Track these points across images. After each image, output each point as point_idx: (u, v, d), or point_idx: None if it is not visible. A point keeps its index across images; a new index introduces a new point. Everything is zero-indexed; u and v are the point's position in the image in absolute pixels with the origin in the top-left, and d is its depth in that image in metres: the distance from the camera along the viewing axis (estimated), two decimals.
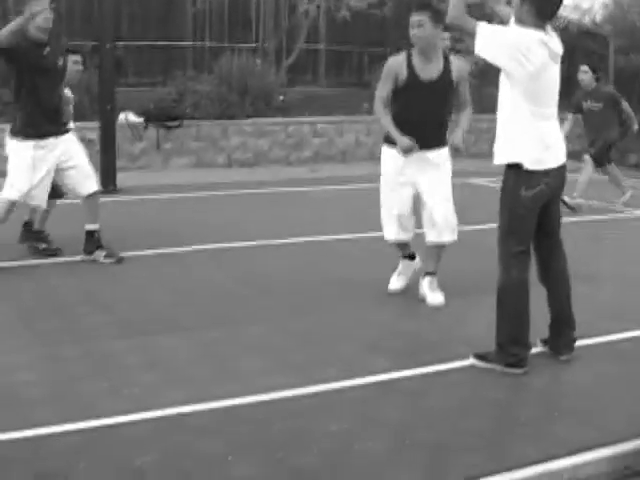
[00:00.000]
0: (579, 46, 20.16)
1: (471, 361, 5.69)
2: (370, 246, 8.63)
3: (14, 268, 7.93)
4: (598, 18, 22.91)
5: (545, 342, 5.90)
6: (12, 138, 7.86)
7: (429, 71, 6.80)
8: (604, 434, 4.67)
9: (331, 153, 16.27)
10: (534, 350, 5.78)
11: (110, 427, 4.63)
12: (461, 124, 6.91)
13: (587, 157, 11.58)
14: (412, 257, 7.46)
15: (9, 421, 4.67)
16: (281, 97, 16.78)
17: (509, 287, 5.55)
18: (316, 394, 5.17)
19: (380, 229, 7.31)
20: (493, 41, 5.37)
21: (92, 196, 8.21)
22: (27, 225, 8.82)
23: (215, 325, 6.45)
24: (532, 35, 5.33)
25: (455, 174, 7.17)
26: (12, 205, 7.89)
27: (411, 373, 5.53)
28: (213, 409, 4.90)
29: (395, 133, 6.77)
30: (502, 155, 5.52)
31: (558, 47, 5.50)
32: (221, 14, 19.49)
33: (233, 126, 15.48)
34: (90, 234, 8.30)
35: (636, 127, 11.74)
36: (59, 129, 8.01)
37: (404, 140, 6.70)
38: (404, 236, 7.21)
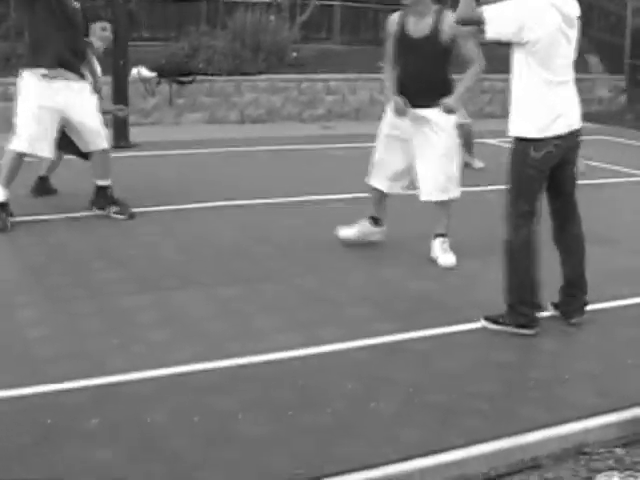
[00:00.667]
0: (596, 6, 20.00)
1: (482, 323, 5.68)
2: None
3: (26, 223, 7.92)
4: None
5: (556, 306, 5.89)
6: (22, 72, 7.82)
7: (421, 28, 6.78)
8: (615, 399, 4.67)
9: (344, 111, 16.18)
10: (546, 313, 5.78)
11: (121, 384, 4.66)
12: (460, 84, 6.85)
13: None
14: (375, 221, 7.46)
15: (20, 377, 4.70)
16: (294, 53, 16.68)
17: (516, 246, 5.56)
18: (326, 353, 5.18)
19: None
20: (503, 20, 5.34)
21: (101, 153, 8.15)
22: (42, 179, 8.83)
23: (229, 282, 6.45)
24: (542, 1, 5.30)
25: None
26: (20, 156, 7.86)
27: (419, 334, 5.52)
28: (224, 367, 4.91)
29: (388, 92, 6.99)
30: (514, 127, 5.52)
31: (573, 10, 5.46)
32: None
33: (246, 82, 15.40)
34: (101, 189, 8.26)
35: None
36: (71, 73, 7.83)
37: (395, 100, 6.85)
38: (378, 184, 7.26)
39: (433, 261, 7.07)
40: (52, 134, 7.84)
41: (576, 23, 5.49)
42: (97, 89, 8.43)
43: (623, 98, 19.01)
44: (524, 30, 5.26)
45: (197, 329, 5.49)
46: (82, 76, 8.03)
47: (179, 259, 7.02)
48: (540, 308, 5.66)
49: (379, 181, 7.27)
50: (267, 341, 5.31)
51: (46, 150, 7.89)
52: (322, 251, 7.36)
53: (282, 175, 10.45)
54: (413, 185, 7.26)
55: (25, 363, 4.91)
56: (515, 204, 5.54)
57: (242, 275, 6.66)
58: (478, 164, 11.03)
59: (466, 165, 9.61)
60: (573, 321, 5.78)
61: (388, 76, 7.07)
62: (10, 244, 7.33)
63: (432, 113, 6.86)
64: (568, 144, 5.51)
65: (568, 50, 5.47)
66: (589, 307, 5.83)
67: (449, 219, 7.18)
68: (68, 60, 7.79)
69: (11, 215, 7.81)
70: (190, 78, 14.97)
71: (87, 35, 8.38)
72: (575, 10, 5.46)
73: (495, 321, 5.66)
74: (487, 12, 5.30)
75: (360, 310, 5.96)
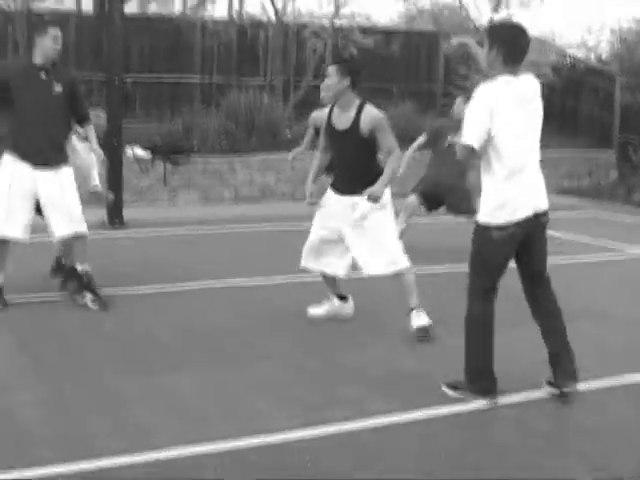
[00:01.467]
0: (586, 83, 20.25)
1: (443, 389, 5.87)
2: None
3: (25, 304, 7.88)
4: (604, 56, 23.05)
5: (550, 383, 5.90)
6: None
7: (344, 120, 7.11)
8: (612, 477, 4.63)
9: None
10: (544, 393, 5.83)
11: (112, 469, 4.58)
12: (384, 173, 7.05)
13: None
14: (341, 298, 7.73)
15: (9, 459, 4.63)
16: (288, 132, 16.80)
17: (474, 320, 5.79)
18: (325, 436, 5.11)
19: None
20: (476, 133, 5.52)
21: (76, 238, 7.82)
22: (58, 260, 8.67)
23: (221, 362, 6.41)
24: (493, 91, 5.54)
25: None
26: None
27: (416, 415, 5.49)
28: (216, 451, 4.82)
29: (308, 179, 7.47)
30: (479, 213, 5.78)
31: (528, 90, 5.66)
32: (229, 50, 19.57)
33: (240, 161, 15.49)
34: (77, 273, 7.95)
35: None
36: (45, 161, 7.61)
37: (306, 187, 7.40)
38: (312, 265, 7.49)
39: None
40: (24, 216, 7.65)
41: (534, 102, 5.66)
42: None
43: (614, 173, 19.13)
44: (491, 129, 5.49)
45: (188, 411, 5.43)
46: (61, 160, 7.77)
47: (171, 339, 6.98)
48: (495, 380, 5.76)
49: (313, 262, 7.51)
50: (261, 422, 5.25)
51: (18, 231, 7.64)
52: (319, 329, 7.36)
53: (276, 253, 10.44)
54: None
55: (15, 444, 4.84)
56: (475, 280, 5.79)
57: (234, 355, 6.62)
58: None
59: None
60: (566, 389, 5.80)
61: (315, 162, 7.54)
62: (5, 324, 7.28)
63: (360, 199, 7.07)
64: (529, 227, 5.65)
65: (526, 132, 5.62)
66: (587, 385, 5.81)
67: (415, 290, 7.26)
68: (43, 147, 7.58)
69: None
70: (184, 157, 15.05)
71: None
72: (531, 89, 5.66)
73: (454, 387, 5.86)
74: (466, 139, 5.52)
75: (355, 389, 5.91)
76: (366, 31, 18.55)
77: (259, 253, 10.56)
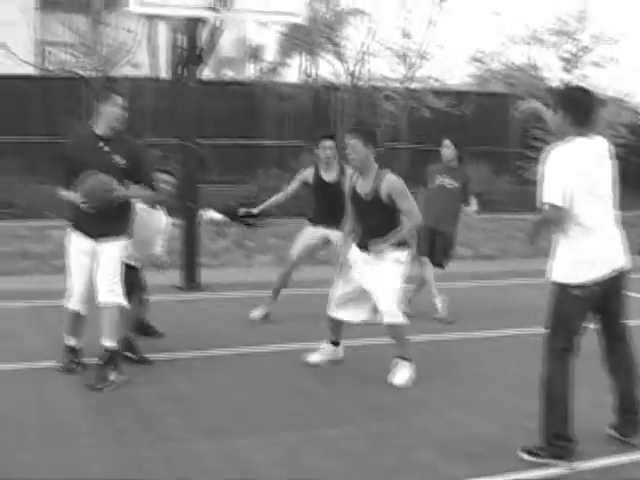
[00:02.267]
0: None
1: (519, 455, 5.77)
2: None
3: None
4: None
5: (615, 428, 5.99)
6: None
7: (365, 186, 7.60)
8: None
9: None
10: (625, 458, 5.73)
11: None
12: (395, 233, 7.55)
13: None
14: (334, 343, 8.24)
15: None
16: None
17: (551, 381, 5.74)
18: None
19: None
20: (558, 192, 5.54)
21: (105, 308, 7.41)
22: (142, 321, 8.74)
23: (295, 427, 6.37)
24: (567, 152, 5.59)
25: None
26: (76, 315, 7.69)
27: None
28: None
29: (344, 241, 8.09)
30: (551, 271, 5.80)
31: (598, 150, 5.72)
32: (303, 114, 19.79)
33: None
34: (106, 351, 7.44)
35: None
36: (105, 232, 7.40)
37: (341, 253, 8.03)
38: (341, 315, 7.99)
39: (494, 401, 7.08)
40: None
41: (607, 162, 5.72)
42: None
43: None
44: (567, 189, 5.51)
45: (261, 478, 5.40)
46: (121, 231, 7.55)
47: (244, 403, 6.96)
48: (573, 441, 5.70)
49: (337, 311, 8.02)
50: None
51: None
52: (385, 392, 7.30)
53: None
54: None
55: None
56: (552, 340, 5.77)
57: (306, 419, 6.57)
58: None
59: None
60: (634, 442, 5.86)
61: (346, 226, 8.04)
62: (80, 385, 7.33)
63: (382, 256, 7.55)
64: (609, 285, 5.68)
65: (602, 191, 5.66)
66: None
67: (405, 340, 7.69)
68: (103, 219, 7.29)
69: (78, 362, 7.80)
70: (259, 220, 15.13)
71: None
72: (603, 150, 5.72)
73: (531, 452, 5.75)
74: (550, 199, 5.53)
75: (428, 453, 5.83)
76: (438, 93, 18.61)
77: None
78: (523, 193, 20.58)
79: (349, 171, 8.34)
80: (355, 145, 7.46)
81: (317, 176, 9.87)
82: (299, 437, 6.15)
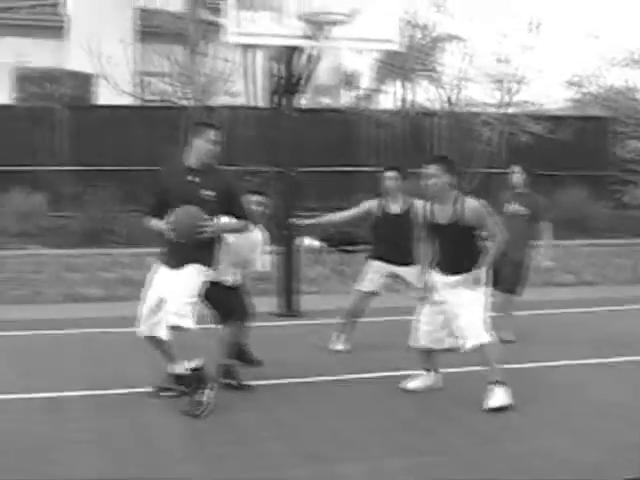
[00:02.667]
0: None
1: None
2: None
3: None
4: None
5: None
6: None
7: (444, 214, 7.67)
8: None
9: None
10: None
11: None
12: (485, 257, 7.73)
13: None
14: (427, 370, 8.25)
15: None
16: None
17: None
18: None
19: None
20: None
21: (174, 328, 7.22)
22: (241, 349, 8.75)
23: (401, 455, 6.33)
24: None
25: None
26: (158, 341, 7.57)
27: None
28: None
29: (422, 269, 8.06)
30: None
31: None
32: (400, 140, 19.78)
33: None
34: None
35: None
36: (184, 263, 7.35)
37: (422, 282, 8.00)
38: (417, 344, 8.12)
39: (593, 429, 6.94)
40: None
41: None
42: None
43: None
44: None
45: None
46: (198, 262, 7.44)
47: (345, 429, 6.94)
48: None
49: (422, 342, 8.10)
50: None
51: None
52: (483, 419, 7.21)
53: None
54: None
55: None
56: None
57: (407, 446, 6.52)
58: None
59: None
60: None
61: (422, 253, 8.04)
62: (174, 409, 7.41)
63: (462, 277, 7.70)
64: None
65: None
66: None
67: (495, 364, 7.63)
68: (180, 250, 7.32)
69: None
70: (358, 247, 15.16)
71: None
72: None
73: None
74: None
75: None
76: (536, 118, 18.42)
77: None
78: (621, 218, 20.26)
79: (417, 202, 8.59)
80: (435, 173, 7.64)
81: (382, 208, 9.84)
82: (401, 464, 6.10)
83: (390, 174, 9.76)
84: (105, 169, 17.85)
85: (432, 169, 7.65)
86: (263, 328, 10.23)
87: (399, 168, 9.94)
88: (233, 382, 8.14)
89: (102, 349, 9.87)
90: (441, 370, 8.27)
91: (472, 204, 7.64)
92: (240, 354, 8.67)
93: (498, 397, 7.51)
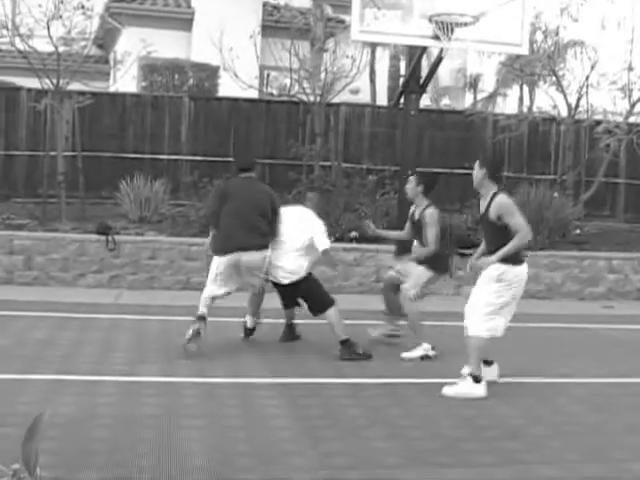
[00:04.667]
0: None
1: None
2: None
3: (304, 385, 8.11)
4: None
5: None
6: None
7: (483, 206, 8.35)
8: None
9: (625, 290, 15.70)
10: None
11: None
12: (502, 249, 8.09)
13: None
14: (485, 363, 8.61)
15: None
16: (578, 230, 16.50)
17: None
18: None
19: None
20: None
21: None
22: (289, 326, 10.15)
23: (507, 463, 6.25)
24: None
25: None
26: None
27: None
28: None
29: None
30: None
31: None
32: (520, 144, 19.58)
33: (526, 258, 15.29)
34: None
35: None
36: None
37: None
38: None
39: None
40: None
41: None
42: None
43: None
44: None
45: None
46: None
47: (454, 434, 6.90)
48: None
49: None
50: None
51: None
52: (607, 436, 7.05)
53: (558, 355, 10.18)
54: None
55: None
56: None
57: (515, 456, 6.44)
58: None
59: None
60: None
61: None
62: (291, 404, 7.48)
63: (492, 268, 8.15)
64: None
65: None
66: None
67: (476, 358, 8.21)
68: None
69: None
70: (472, 251, 15.02)
71: None
72: None
73: None
74: None
75: None
76: None
77: (541, 354, 10.31)
78: None
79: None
80: (475, 170, 8.39)
81: (411, 213, 10.29)
82: (507, 475, 6.03)
83: (409, 180, 10.25)
84: (224, 160, 18.02)
85: (474, 167, 8.45)
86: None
87: (416, 174, 10.68)
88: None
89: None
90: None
91: (499, 199, 8.18)
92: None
93: (461, 387, 8.10)
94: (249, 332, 10.02)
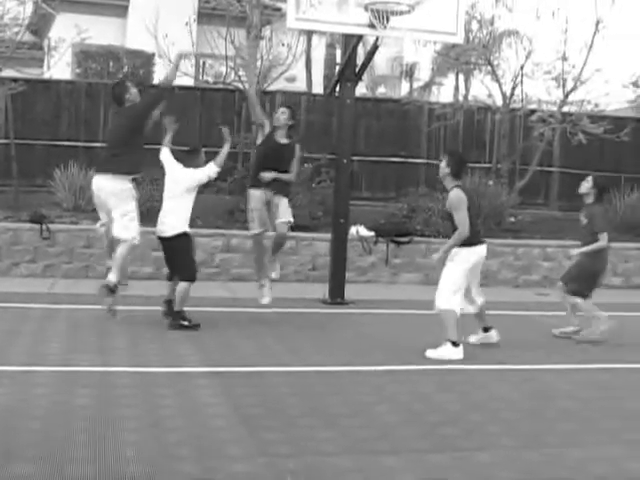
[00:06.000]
0: None
1: None
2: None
3: (241, 373, 8.08)
4: None
5: None
6: None
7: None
8: None
9: (554, 277, 15.85)
10: None
11: None
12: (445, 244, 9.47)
13: None
14: (485, 329, 10.02)
15: None
16: (512, 219, 16.65)
17: None
18: None
19: None
20: None
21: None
22: (167, 302, 10.19)
23: (440, 449, 6.28)
24: None
25: None
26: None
27: None
28: None
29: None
30: None
31: None
32: (455, 133, 19.68)
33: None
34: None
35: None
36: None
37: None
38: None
39: None
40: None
41: None
42: None
43: None
44: None
45: None
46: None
47: (391, 420, 6.91)
48: None
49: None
50: None
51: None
52: (545, 422, 7.11)
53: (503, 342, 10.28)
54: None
55: None
56: None
57: (451, 442, 6.47)
58: None
59: None
60: None
61: None
62: (227, 393, 7.44)
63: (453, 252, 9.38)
64: None
65: None
66: None
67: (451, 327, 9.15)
68: None
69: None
70: (407, 239, 15.13)
71: None
72: None
73: None
74: None
75: None
76: (595, 118, 18.21)
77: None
78: None
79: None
80: (441, 165, 9.47)
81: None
82: (445, 460, 6.05)
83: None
84: (158, 147, 17.82)
85: (440, 161, 9.56)
86: (311, 314, 10.31)
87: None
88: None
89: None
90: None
91: (451, 194, 9.30)
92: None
93: (443, 350, 9.10)
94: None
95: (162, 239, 10.14)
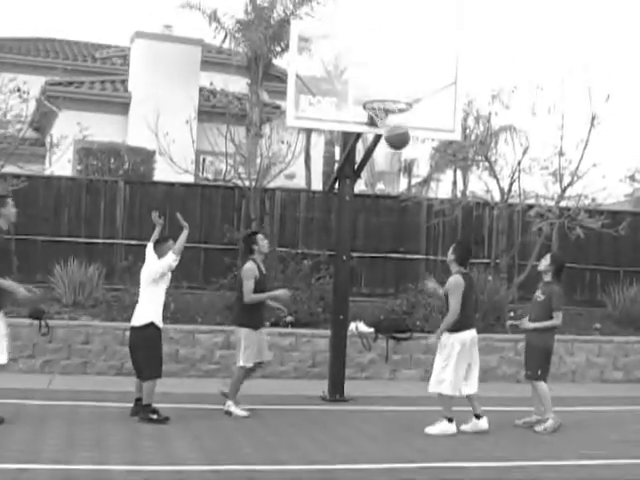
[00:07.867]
0: None
1: None
2: None
3: None
4: None
5: None
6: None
7: None
8: None
9: (560, 372, 15.79)
10: None
11: None
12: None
13: None
14: (477, 417, 10.53)
15: None
16: (511, 313, 16.64)
17: None
18: None
19: None
20: None
21: None
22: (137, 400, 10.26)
23: None
24: None
25: None
26: None
27: None
28: None
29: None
30: None
31: None
32: (454, 229, 19.78)
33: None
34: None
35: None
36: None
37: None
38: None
39: None
40: None
41: None
42: None
43: None
44: None
45: None
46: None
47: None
48: None
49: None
50: None
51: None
52: None
53: (500, 437, 10.19)
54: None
55: None
56: None
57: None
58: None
59: None
60: None
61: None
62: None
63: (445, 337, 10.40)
64: None
65: None
66: None
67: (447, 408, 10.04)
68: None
69: None
70: (407, 335, 15.10)
71: None
72: None
73: None
74: None
75: None
76: (592, 212, 18.31)
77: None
78: None
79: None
80: (449, 253, 10.51)
81: None
82: None
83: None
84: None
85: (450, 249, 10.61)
86: (310, 411, 10.25)
87: None
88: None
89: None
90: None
91: (450, 279, 10.28)
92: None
93: (438, 426, 10.07)
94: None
95: (130, 330, 10.33)
